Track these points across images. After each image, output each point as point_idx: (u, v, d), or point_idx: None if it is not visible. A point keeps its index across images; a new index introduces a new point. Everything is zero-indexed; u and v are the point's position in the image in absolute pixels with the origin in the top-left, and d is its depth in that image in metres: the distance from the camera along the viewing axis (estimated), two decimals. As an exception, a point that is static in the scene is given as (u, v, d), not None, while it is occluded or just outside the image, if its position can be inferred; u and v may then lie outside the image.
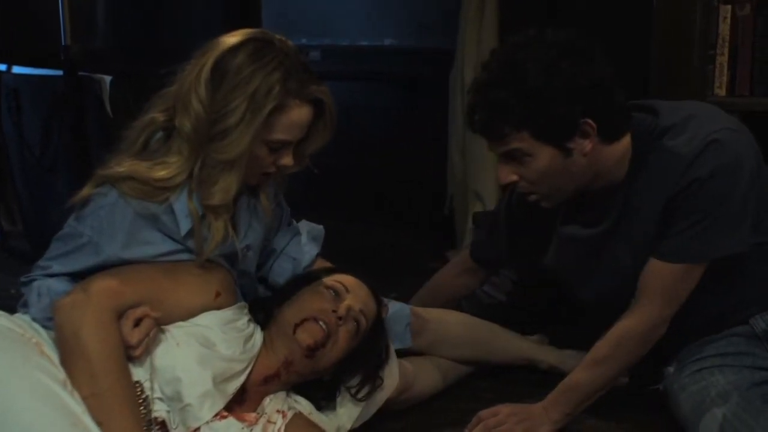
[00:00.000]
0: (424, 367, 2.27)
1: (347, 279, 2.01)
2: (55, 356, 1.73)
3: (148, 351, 1.77)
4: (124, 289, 1.77)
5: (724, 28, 2.46)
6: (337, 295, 1.95)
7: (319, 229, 2.32)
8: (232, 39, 1.91)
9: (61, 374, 1.69)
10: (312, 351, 1.88)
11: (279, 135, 1.90)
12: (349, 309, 1.93)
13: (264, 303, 2.03)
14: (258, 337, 1.93)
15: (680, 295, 1.92)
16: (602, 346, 1.99)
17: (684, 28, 2.48)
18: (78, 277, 1.85)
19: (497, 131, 1.86)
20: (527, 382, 2.31)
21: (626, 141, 1.92)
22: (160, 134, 1.93)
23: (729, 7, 2.45)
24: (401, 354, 2.21)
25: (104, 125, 3.21)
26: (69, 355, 1.70)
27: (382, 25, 4.37)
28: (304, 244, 2.27)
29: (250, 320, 1.95)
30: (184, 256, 1.91)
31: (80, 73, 3.25)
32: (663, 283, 1.91)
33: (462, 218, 3.57)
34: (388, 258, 3.45)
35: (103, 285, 1.75)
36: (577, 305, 2.22)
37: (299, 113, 1.91)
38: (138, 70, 3.52)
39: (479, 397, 2.22)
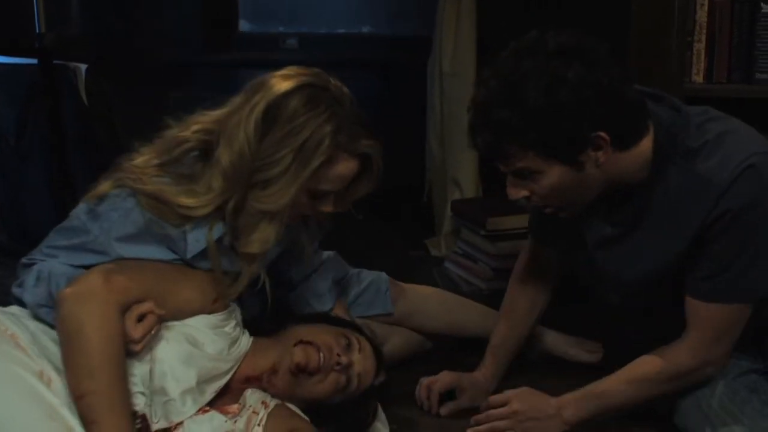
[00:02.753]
0: (393, 333, 2.34)
1: (365, 344, 2.01)
2: (32, 348, 1.72)
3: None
4: (130, 285, 1.75)
5: (702, 15, 2.46)
6: (349, 348, 1.96)
7: (345, 270, 2.31)
8: (286, 83, 1.85)
9: (37, 366, 1.69)
10: (298, 369, 1.89)
11: (322, 186, 1.86)
12: (349, 365, 1.93)
13: (282, 318, 2.05)
14: (244, 341, 1.94)
15: (730, 334, 1.84)
16: (643, 367, 1.91)
17: (662, 15, 2.47)
18: (84, 268, 1.82)
19: (502, 152, 1.75)
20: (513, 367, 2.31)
21: (645, 144, 1.78)
22: (195, 152, 1.89)
23: (706, -6, 2.46)
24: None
25: (80, 114, 3.18)
26: (70, 349, 1.68)
27: (360, 13, 4.35)
28: (327, 292, 2.24)
29: (236, 324, 1.95)
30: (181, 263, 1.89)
31: (55, 62, 3.21)
32: (709, 323, 1.83)
33: (440, 206, 3.56)
34: (366, 246, 3.43)
35: (110, 279, 1.73)
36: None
37: (346, 167, 1.87)
38: (114, 58, 3.49)
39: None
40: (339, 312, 2.22)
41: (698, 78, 2.48)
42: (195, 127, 1.90)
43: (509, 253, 2.96)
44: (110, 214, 1.85)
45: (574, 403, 1.93)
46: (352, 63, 4.22)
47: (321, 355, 1.90)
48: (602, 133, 1.71)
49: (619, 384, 1.91)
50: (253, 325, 2.04)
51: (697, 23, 2.46)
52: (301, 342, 1.92)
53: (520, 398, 1.96)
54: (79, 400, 1.65)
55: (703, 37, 2.47)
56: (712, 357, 1.86)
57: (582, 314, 2.50)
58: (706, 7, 2.45)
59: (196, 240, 1.85)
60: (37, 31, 3.19)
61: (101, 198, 1.87)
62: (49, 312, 1.79)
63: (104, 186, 1.88)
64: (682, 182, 1.78)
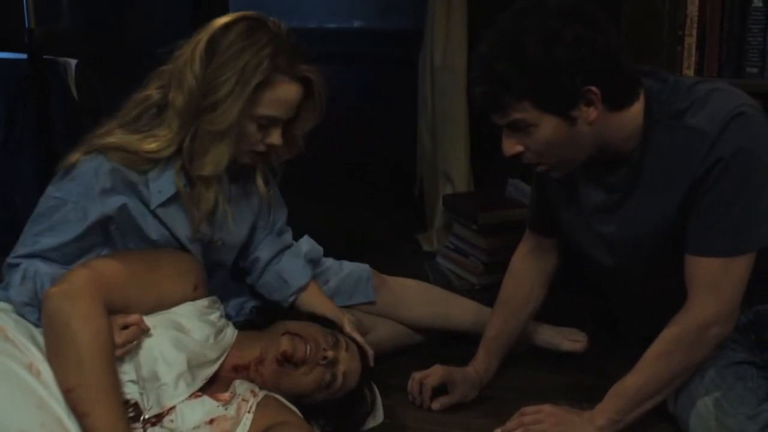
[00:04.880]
0: (378, 322, 2.36)
1: (351, 344, 2.03)
2: (20, 340, 1.74)
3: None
4: (114, 281, 1.79)
5: (693, 9, 2.46)
6: (336, 346, 1.97)
7: (318, 249, 2.33)
8: (225, 18, 1.96)
9: (27, 359, 1.71)
10: (284, 358, 1.90)
11: (266, 110, 1.93)
12: (335, 361, 1.94)
13: (271, 315, 2.08)
14: (229, 332, 1.96)
15: (729, 289, 1.83)
16: (653, 347, 1.89)
17: (653, 9, 2.48)
18: (67, 249, 1.89)
19: (498, 103, 1.80)
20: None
21: (636, 109, 1.84)
22: (153, 110, 1.97)
23: (697, -13, 2.46)
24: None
25: (70, 109, 3.18)
26: (57, 344, 1.70)
27: (351, 7, 4.35)
28: (301, 268, 2.25)
29: (221, 315, 1.98)
30: (159, 228, 1.97)
31: (45, 57, 3.20)
32: (705, 278, 1.83)
33: (432, 200, 3.56)
34: (357, 239, 3.44)
35: (93, 275, 1.76)
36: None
37: (287, 90, 1.94)
38: (104, 53, 3.48)
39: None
40: (314, 292, 2.23)
41: (689, 72, 2.49)
42: (148, 88, 1.99)
43: (501, 248, 2.96)
44: (82, 178, 1.90)
45: (602, 407, 1.92)
46: (344, 57, 4.22)
47: (308, 347, 1.92)
48: (594, 88, 1.76)
49: (635, 374, 1.90)
50: (242, 321, 2.07)
51: (688, 17, 2.47)
52: (288, 333, 1.94)
53: (552, 407, 1.97)
54: (68, 393, 1.67)
55: (694, 31, 2.47)
56: (713, 315, 1.84)
57: (569, 305, 2.51)
58: (696, 1, 2.46)
59: (159, 191, 1.94)
60: (27, 26, 3.17)
61: (72, 165, 1.92)
62: (34, 311, 1.82)
63: (74, 155, 1.93)
64: (672, 139, 1.82)
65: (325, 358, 1.92)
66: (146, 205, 1.95)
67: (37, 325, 1.80)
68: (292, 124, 2.02)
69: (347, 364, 1.97)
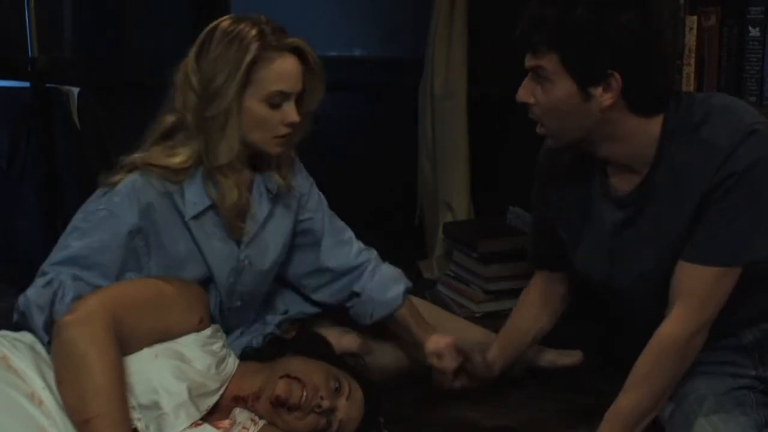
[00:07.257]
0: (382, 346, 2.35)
1: (356, 390, 1.98)
2: (22, 368, 1.74)
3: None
4: (125, 310, 1.79)
5: (691, 39, 2.48)
6: (338, 392, 1.94)
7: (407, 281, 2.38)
8: (209, 26, 2.02)
9: (28, 387, 1.70)
10: (277, 402, 1.88)
11: (272, 87, 1.98)
12: (332, 409, 1.91)
13: (280, 346, 2.07)
14: (231, 362, 1.96)
15: (716, 299, 1.84)
16: (641, 364, 1.89)
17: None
18: (102, 257, 1.93)
19: (532, 42, 1.83)
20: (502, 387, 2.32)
21: (656, 123, 1.86)
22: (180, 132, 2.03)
23: (695, 18, 2.47)
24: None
25: (72, 137, 3.19)
26: (72, 373, 1.69)
27: (351, 36, 4.37)
28: (391, 281, 2.33)
29: (223, 345, 1.98)
30: (188, 243, 2.03)
31: (48, 85, 3.22)
32: (698, 287, 1.83)
33: (432, 228, 3.57)
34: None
35: (106, 303, 1.77)
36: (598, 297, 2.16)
37: (283, 62, 2.00)
38: (107, 81, 3.50)
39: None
40: (407, 308, 2.29)
41: (688, 100, 2.50)
42: (166, 108, 2.05)
43: (501, 276, 2.97)
44: (120, 191, 1.96)
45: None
46: (345, 85, 4.23)
47: (304, 393, 1.88)
48: (618, 75, 1.78)
49: (629, 393, 1.89)
50: (251, 349, 2.08)
51: (686, 47, 2.49)
52: (287, 376, 1.90)
53: None
54: (85, 424, 1.66)
55: (692, 61, 2.49)
56: (698, 325, 1.85)
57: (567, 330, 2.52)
58: (695, 31, 2.47)
59: (194, 202, 2.01)
60: (30, 54, 3.20)
61: (113, 184, 1.98)
62: (41, 315, 1.84)
63: (117, 176, 1.99)
64: (686, 151, 1.83)
65: (319, 406, 1.88)
66: (181, 215, 2.00)
67: (33, 332, 1.82)
68: (302, 102, 2.06)
69: (346, 412, 1.93)
